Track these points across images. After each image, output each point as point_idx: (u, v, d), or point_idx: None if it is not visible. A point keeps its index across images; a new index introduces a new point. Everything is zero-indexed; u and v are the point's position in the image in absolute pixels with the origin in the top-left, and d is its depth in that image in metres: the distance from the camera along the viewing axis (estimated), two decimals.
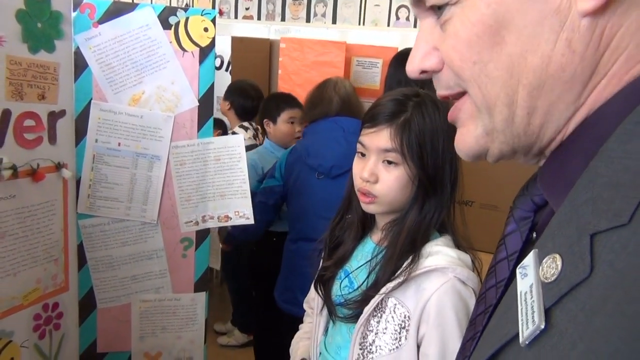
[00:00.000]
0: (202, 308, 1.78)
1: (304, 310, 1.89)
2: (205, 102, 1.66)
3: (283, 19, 4.24)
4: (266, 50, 3.94)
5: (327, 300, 1.18)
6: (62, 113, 1.50)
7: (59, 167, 1.50)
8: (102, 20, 1.52)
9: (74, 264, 1.62)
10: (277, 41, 3.63)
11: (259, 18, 4.32)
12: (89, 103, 1.55)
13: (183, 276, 1.75)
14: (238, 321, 3.27)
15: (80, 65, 1.53)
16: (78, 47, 1.51)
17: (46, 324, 1.55)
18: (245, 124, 2.93)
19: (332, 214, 1.98)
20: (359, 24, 4.00)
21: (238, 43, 3.52)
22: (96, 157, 1.58)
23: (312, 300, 1.34)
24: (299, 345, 1.36)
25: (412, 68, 0.50)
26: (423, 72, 0.50)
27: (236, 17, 4.36)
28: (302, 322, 1.73)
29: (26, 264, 1.45)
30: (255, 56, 3.83)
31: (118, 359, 1.73)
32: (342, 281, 1.17)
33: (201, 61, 1.63)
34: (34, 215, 1.45)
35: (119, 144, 1.59)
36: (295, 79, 3.39)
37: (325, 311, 1.20)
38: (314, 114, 2.10)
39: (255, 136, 2.89)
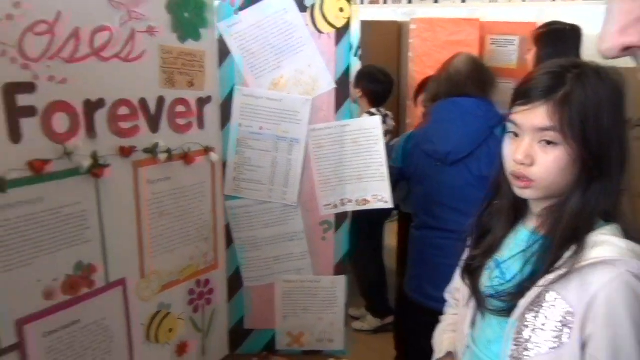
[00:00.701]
0: (342, 291, 1.79)
1: (430, 299, 1.83)
2: (342, 84, 1.65)
3: (410, 1, 4.14)
4: (395, 33, 3.87)
5: (475, 292, 1.11)
6: (209, 99, 1.58)
7: (207, 150, 1.58)
8: (242, 7, 1.57)
9: (222, 244, 1.70)
10: (407, 23, 3.55)
11: (385, 1, 4.26)
12: (233, 88, 1.61)
13: (323, 259, 1.76)
14: (369, 306, 3.27)
15: (223, 52, 1.59)
16: (221, 35, 1.58)
17: (199, 299, 1.65)
18: (373, 110, 2.89)
19: (454, 202, 1.89)
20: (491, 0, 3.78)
21: (367, 27, 3.49)
22: (240, 141, 1.64)
23: (457, 290, 1.28)
24: (443, 337, 1.29)
25: (611, 45, 0.42)
26: (626, 48, 0.42)
27: (362, 2, 4.34)
28: (427, 311, 1.66)
29: (181, 242, 1.55)
30: (384, 40, 3.77)
31: (264, 336, 1.80)
32: (492, 272, 1.09)
33: (337, 42, 1.62)
34: (186, 196, 1.55)
35: (261, 128, 1.64)
36: (426, 61, 3.28)
37: (472, 303, 1.13)
38: (431, 94, 2.00)
39: (383, 122, 2.85)
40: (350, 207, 1.72)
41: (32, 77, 1.15)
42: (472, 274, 1.13)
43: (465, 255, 1.19)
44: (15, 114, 1.13)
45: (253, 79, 1.61)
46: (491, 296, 1.05)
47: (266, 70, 1.60)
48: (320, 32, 1.60)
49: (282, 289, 1.77)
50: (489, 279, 1.09)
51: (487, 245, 1.12)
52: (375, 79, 2.92)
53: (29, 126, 1.15)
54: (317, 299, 1.79)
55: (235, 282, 1.75)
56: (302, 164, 1.67)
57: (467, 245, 1.20)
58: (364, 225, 2.75)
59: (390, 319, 3.03)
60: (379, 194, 1.69)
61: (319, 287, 1.78)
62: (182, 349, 1.61)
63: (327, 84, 1.63)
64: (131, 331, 1.43)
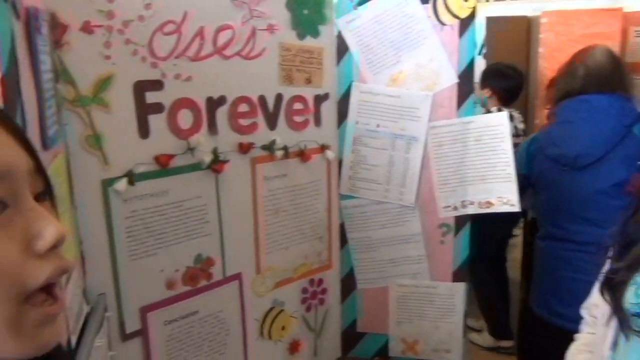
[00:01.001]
0: (461, 299, 1.68)
1: (556, 316, 1.64)
2: (466, 78, 1.55)
3: None
4: (523, 29, 3.61)
5: (618, 310, 0.97)
6: (326, 96, 1.55)
7: (323, 148, 1.56)
8: (361, 2, 1.53)
9: (337, 243, 1.68)
10: (536, 17, 3.29)
11: None
12: (350, 85, 1.58)
13: (441, 263, 1.67)
14: (487, 321, 3.06)
15: (342, 48, 1.56)
16: (339, 31, 1.55)
17: (312, 298, 1.64)
18: (494, 109, 2.71)
19: (584, 212, 1.68)
20: None
21: (492, 24, 3.29)
22: (356, 139, 1.60)
23: (594, 307, 1.13)
24: (577, 358, 1.15)
25: None
26: None
27: None
28: (553, 328, 1.50)
29: (296, 240, 1.55)
30: (511, 36, 3.54)
31: (377, 341, 1.74)
32: (638, 288, 0.94)
33: (461, 34, 1.52)
34: (302, 194, 1.54)
35: (378, 126, 1.59)
36: (558, 56, 3.00)
37: (614, 322, 0.99)
38: (563, 91, 1.78)
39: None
40: (472, 210, 1.61)
41: (160, 75, 1.20)
42: (615, 289, 0.99)
43: (606, 268, 1.05)
44: (145, 111, 1.18)
45: (371, 75, 1.57)
46: (637, 315, 0.91)
47: (385, 65, 1.55)
48: (442, 23, 1.51)
49: (396, 293, 1.70)
50: (635, 296, 0.95)
51: (632, 258, 0.98)
52: (504, 76, 2.73)
53: (157, 122, 1.20)
54: (433, 305, 1.70)
55: (348, 283, 1.72)
56: (420, 163, 1.59)
57: (607, 257, 1.05)
58: (487, 231, 2.58)
59: (507, 343, 2.82)
60: (504, 196, 1.56)
61: (436, 294, 1.69)
62: (294, 347, 1.61)
63: (449, 79, 1.54)
64: (246, 326, 1.45)
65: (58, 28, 1.03)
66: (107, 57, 1.11)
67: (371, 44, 1.54)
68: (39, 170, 0.49)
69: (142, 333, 1.23)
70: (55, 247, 0.45)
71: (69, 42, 1.05)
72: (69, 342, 0.87)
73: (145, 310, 1.23)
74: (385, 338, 1.74)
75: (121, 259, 1.17)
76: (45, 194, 0.50)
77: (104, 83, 1.11)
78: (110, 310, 1.16)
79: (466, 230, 1.64)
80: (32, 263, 0.44)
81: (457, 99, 1.55)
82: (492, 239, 2.73)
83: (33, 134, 0.76)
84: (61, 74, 1.04)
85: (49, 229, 0.45)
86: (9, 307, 0.42)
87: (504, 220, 2.35)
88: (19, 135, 0.47)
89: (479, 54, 3.26)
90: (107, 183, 1.14)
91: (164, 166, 1.22)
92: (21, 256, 0.43)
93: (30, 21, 0.78)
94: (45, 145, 0.81)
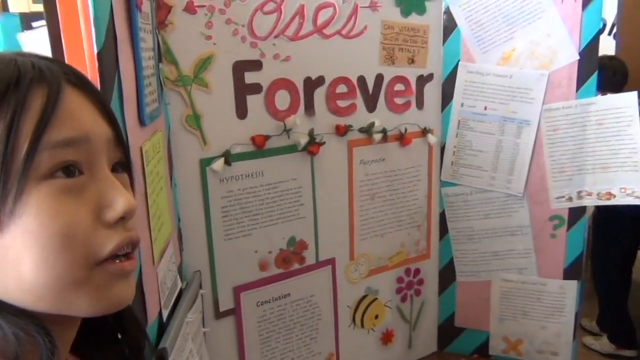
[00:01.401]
0: (573, 299, 1.53)
1: None
2: (589, 54, 1.39)
3: None
4: None
5: None
6: (430, 77, 1.47)
7: (425, 132, 1.48)
8: None
9: (436, 233, 1.60)
10: None
11: None
12: (457, 65, 1.48)
13: (551, 259, 1.53)
14: (606, 326, 2.79)
15: (449, 26, 1.46)
16: (448, 7, 1.45)
17: (408, 288, 1.57)
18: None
19: None
20: None
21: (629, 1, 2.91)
22: (461, 122, 1.50)
23: None
24: None
25: None
26: None
27: None
28: None
29: (392, 227, 1.49)
30: None
31: (476, 337, 1.65)
32: None
33: (584, 6, 1.36)
34: (400, 180, 1.47)
35: (485, 108, 1.47)
36: None
37: None
38: None
39: None
40: (590, 202, 1.45)
41: (259, 55, 1.19)
42: None
43: None
44: (243, 91, 1.18)
45: (480, 54, 1.45)
46: None
47: (496, 42, 1.43)
48: None
49: (499, 289, 1.59)
50: None
51: None
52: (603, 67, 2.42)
53: (254, 103, 1.20)
54: (541, 304, 1.57)
55: (447, 275, 1.63)
56: (532, 148, 1.46)
57: None
58: (608, 225, 2.35)
59: (629, 352, 2.56)
60: (629, 186, 1.40)
61: (544, 291, 1.56)
62: (387, 337, 1.56)
63: (569, 56, 1.39)
64: (337, 312, 1.42)
65: (162, 8, 1.04)
66: (208, 38, 1.11)
67: (482, 19, 1.43)
68: (119, 141, 0.49)
69: (235, 312, 1.25)
70: (124, 218, 0.45)
71: (172, 23, 1.06)
72: (160, 314, 0.89)
73: (238, 290, 1.24)
74: (486, 335, 1.64)
75: (217, 238, 1.19)
76: (123, 166, 0.50)
77: (205, 63, 1.11)
78: (205, 288, 1.18)
79: (582, 224, 1.48)
80: (101, 232, 0.44)
81: (577, 79, 1.40)
82: (615, 234, 2.47)
83: (129, 110, 0.77)
84: (164, 53, 1.06)
85: (120, 200, 0.45)
86: (78, 270, 0.43)
87: (631, 214, 2.12)
88: (101, 104, 0.48)
89: (609, 34, 2.94)
90: (205, 162, 1.15)
91: (259, 147, 1.21)
92: (92, 223, 0.43)
93: None
94: (142, 122, 0.82)
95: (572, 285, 1.52)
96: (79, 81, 0.47)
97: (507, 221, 1.54)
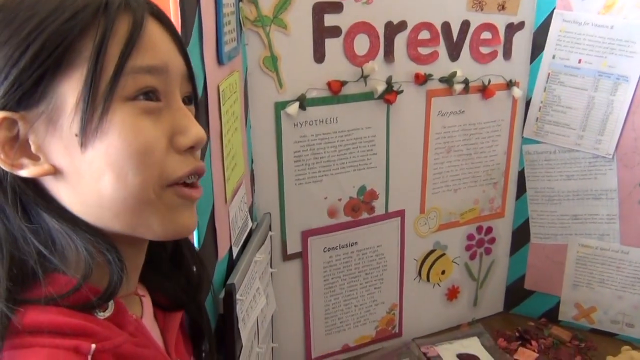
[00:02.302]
0: None
1: None
2: None
3: None
4: None
5: None
6: (521, 25, 1.37)
7: (510, 85, 1.40)
8: None
9: (513, 191, 1.53)
10: None
11: None
12: (551, 13, 1.36)
13: (636, 227, 1.43)
14: None
15: None
16: None
17: (478, 246, 1.53)
18: None
19: None
20: None
21: None
22: (551, 76, 1.40)
23: None
24: None
25: None
26: None
27: None
28: None
29: (467, 183, 1.44)
30: None
31: (545, 301, 1.59)
32: None
33: None
34: (479, 134, 1.41)
35: (580, 61, 1.36)
36: None
37: None
38: None
39: None
40: None
41: None
42: None
43: None
44: (322, 34, 1.15)
45: (579, 2, 1.33)
46: None
47: None
48: None
49: (576, 254, 1.52)
50: None
51: None
52: None
53: (332, 47, 1.17)
54: (620, 273, 1.48)
55: (521, 236, 1.57)
56: (627, 108, 1.34)
57: None
58: None
59: None
60: None
61: (626, 260, 1.47)
62: (452, 293, 1.54)
63: None
64: (404, 264, 1.41)
65: None
66: None
67: None
68: (190, 76, 0.51)
69: (302, 256, 1.26)
70: (194, 148, 0.48)
71: None
72: (230, 251, 0.91)
73: (306, 235, 1.25)
74: (556, 300, 1.58)
75: (288, 182, 1.19)
76: (191, 100, 0.52)
77: (284, 3, 1.09)
78: (274, 230, 1.20)
79: None
80: (173, 156, 0.47)
81: None
82: None
83: (208, 48, 0.76)
84: None
85: (193, 129, 0.48)
86: (150, 189, 0.45)
87: None
88: (177, 39, 0.50)
89: None
90: (280, 106, 1.14)
91: (335, 93, 1.19)
92: (166, 147, 0.46)
93: None
94: (220, 60, 0.82)
95: None
96: (160, 14, 0.49)
97: (591, 184, 1.44)
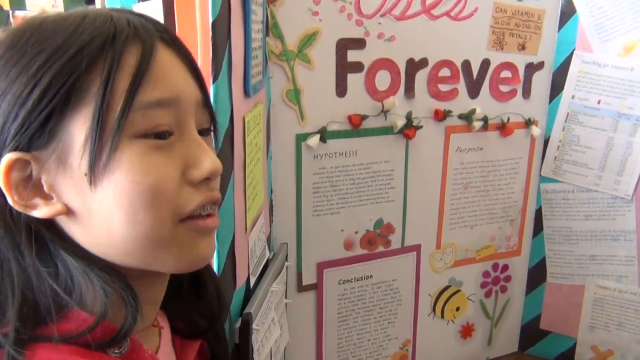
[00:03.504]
0: None
1: None
2: None
3: None
4: None
5: None
6: (540, 65, 1.38)
7: (528, 123, 1.40)
8: None
9: (530, 229, 1.52)
10: None
11: None
12: (571, 54, 1.38)
13: None
14: None
15: (566, 11, 1.36)
16: None
17: (494, 284, 1.52)
18: None
19: None
20: None
21: None
22: (570, 116, 1.41)
23: None
24: None
25: None
26: None
27: None
28: None
29: (483, 219, 1.44)
30: None
31: (561, 343, 1.57)
32: None
33: None
34: (497, 171, 1.41)
35: (599, 102, 1.37)
36: None
37: None
38: None
39: None
40: None
41: (364, 34, 1.17)
42: None
43: None
44: (345, 69, 1.17)
45: (598, 44, 1.35)
46: None
47: (618, 32, 1.32)
48: None
49: (594, 295, 1.50)
50: None
51: None
52: None
53: (354, 81, 1.19)
54: (638, 317, 1.46)
55: (537, 275, 1.56)
56: None
57: None
58: None
59: None
60: None
61: None
62: (467, 331, 1.52)
63: None
64: (418, 299, 1.40)
65: None
66: (315, 14, 1.11)
67: (604, 6, 1.32)
68: (206, 103, 0.49)
69: (317, 287, 1.26)
70: (209, 179, 0.47)
71: None
72: (248, 280, 0.91)
73: (322, 266, 1.25)
74: (572, 342, 1.55)
75: (305, 213, 1.20)
76: (209, 130, 0.51)
77: (309, 39, 1.12)
78: (290, 261, 1.20)
79: None
80: (187, 190, 0.45)
81: None
82: None
83: (236, 81, 0.79)
84: (272, 28, 1.07)
85: (206, 161, 0.46)
86: (164, 226, 0.44)
87: None
88: (191, 65, 0.48)
89: None
90: (301, 138, 1.16)
91: (355, 126, 1.20)
92: (179, 181, 0.45)
93: None
94: (247, 93, 0.84)
95: None
96: (172, 40, 0.47)
97: (610, 224, 1.43)
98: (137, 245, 0.44)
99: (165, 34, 0.46)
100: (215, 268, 0.75)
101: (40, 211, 0.43)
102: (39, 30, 0.43)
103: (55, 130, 0.41)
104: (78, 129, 0.41)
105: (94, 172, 0.41)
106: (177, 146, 0.45)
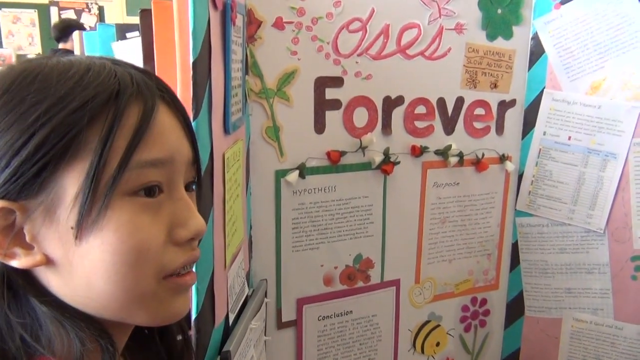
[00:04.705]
0: None
1: None
2: None
3: None
4: None
5: None
6: (512, 103, 1.43)
7: (502, 159, 1.44)
8: (564, 1, 1.38)
9: (507, 263, 1.54)
10: None
11: None
12: (541, 92, 1.43)
13: (630, 302, 1.44)
14: None
15: (535, 51, 1.42)
16: (536, 33, 1.41)
17: (472, 318, 1.53)
18: None
19: None
20: None
21: None
22: (542, 151, 1.45)
23: None
24: None
25: None
26: None
27: None
28: None
29: (461, 253, 1.45)
30: None
31: None
32: None
33: None
34: (473, 206, 1.44)
35: (569, 138, 1.42)
36: None
37: None
38: None
39: None
40: None
41: (341, 72, 1.20)
42: None
43: None
44: (323, 107, 1.20)
45: (567, 82, 1.40)
46: None
47: (585, 71, 1.38)
48: None
49: (571, 328, 1.51)
50: None
51: None
52: None
53: (333, 118, 1.21)
54: (615, 349, 1.47)
55: (515, 309, 1.57)
56: (617, 183, 1.38)
57: None
58: None
59: None
60: None
61: (620, 336, 1.46)
62: None
63: None
64: (398, 335, 1.40)
65: (253, 23, 1.08)
66: (294, 53, 1.14)
67: (571, 47, 1.38)
68: (195, 161, 0.50)
69: (297, 324, 1.25)
70: (193, 239, 0.47)
71: (261, 37, 1.10)
72: (227, 318, 0.91)
73: (302, 302, 1.24)
74: None
75: (285, 249, 1.20)
76: (194, 185, 0.52)
77: (288, 77, 1.14)
78: (270, 297, 1.20)
79: None
80: (171, 249, 0.46)
81: None
82: None
83: (216, 118, 0.80)
84: (251, 67, 1.09)
85: (194, 222, 0.47)
86: (146, 285, 0.45)
87: None
88: (186, 124, 0.49)
89: None
90: (280, 174, 1.17)
91: (334, 162, 1.22)
92: (164, 240, 0.45)
93: (225, 11, 0.82)
94: (226, 130, 0.85)
95: None
96: (171, 99, 0.48)
97: (584, 258, 1.46)
98: (115, 301, 0.44)
99: (165, 94, 0.47)
100: (194, 305, 0.75)
101: (19, 261, 0.42)
102: (40, 78, 0.42)
103: (48, 182, 0.41)
104: (71, 183, 0.41)
105: (82, 227, 0.41)
106: (166, 205, 0.46)
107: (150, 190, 0.44)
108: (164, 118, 0.46)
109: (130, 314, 0.46)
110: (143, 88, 0.44)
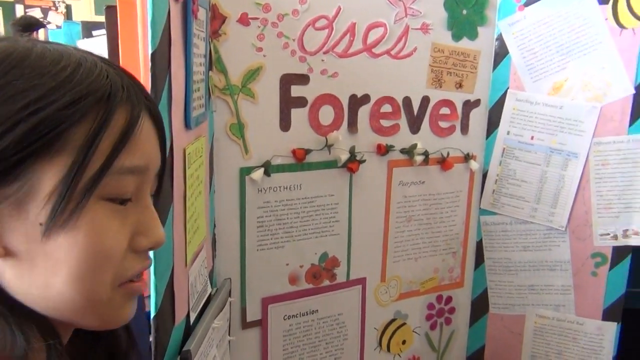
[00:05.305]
0: (610, 342, 1.47)
1: None
2: None
3: None
4: None
5: None
6: (477, 102, 1.45)
7: (467, 158, 1.45)
8: (528, 3, 1.40)
9: (471, 261, 1.56)
10: None
11: None
12: (505, 92, 1.45)
13: (590, 298, 1.47)
14: None
15: (500, 52, 1.44)
16: (500, 34, 1.43)
17: (438, 316, 1.54)
18: None
19: None
20: None
21: None
22: (506, 151, 1.47)
23: None
24: None
25: None
26: None
27: None
28: None
29: (427, 252, 1.46)
30: None
31: None
32: None
33: None
34: (438, 204, 1.45)
35: (532, 138, 1.44)
36: None
37: None
38: None
39: None
40: (636, 241, 1.39)
41: (307, 70, 1.19)
42: None
43: None
44: (288, 104, 1.19)
45: (530, 83, 1.43)
46: None
47: (547, 72, 1.40)
48: (622, 27, 1.33)
49: (534, 324, 1.54)
50: None
51: None
52: None
53: (298, 116, 1.20)
54: (576, 344, 1.51)
55: (479, 306, 1.59)
56: (577, 182, 1.41)
57: None
58: None
59: None
60: None
61: (581, 331, 1.50)
62: None
63: (624, 90, 1.35)
64: (364, 333, 1.40)
65: (217, 18, 1.07)
66: (259, 49, 1.13)
67: (534, 48, 1.41)
68: (161, 172, 0.51)
69: (262, 324, 1.24)
70: (152, 249, 0.48)
71: (225, 33, 1.08)
72: (188, 316, 0.89)
73: (267, 302, 1.23)
74: None
75: (249, 248, 1.19)
76: (154, 195, 0.52)
77: (253, 74, 1.13)
78: (234, 296, 1.18)
79: (625, 263, 1.42)
80: (130, 256, 0.46)
81: (630, 113, 1.35)
82: None
83: (176, 112, 0.78)
84: (215, 62, 1.08)
85: (156, 233, 0.48)
86: (103, 290, 0.44)
87: None
88: (162, 135, 0.50)
89: None
90: (245, 171, 1.16)
91: (299, 160, 1.21)
92: (126, 248, 0.45)
93: (187, 3, 0.80)
94: (188, 125, 0.83)
95: (611, 327, 1.46)
96: (154, 109, 0.48)
97: (546, 255, 1.49)
98: (71, 303, 0.43)
99: (150, 103, 0.47)
100: (152, 303, 0.73)
101: None
102: (28, 64, 0.40)
103: (24, 174, 0.39)
104: (48, 178, 0.40)
105: (52, 225, 0.40)
106: (132, 212, 0.46)
107: (124, 200, 0.44)
108: (146, 126, 0.46)
109: (82, 318, 0.45)
110: (132, 94, 0.44)
